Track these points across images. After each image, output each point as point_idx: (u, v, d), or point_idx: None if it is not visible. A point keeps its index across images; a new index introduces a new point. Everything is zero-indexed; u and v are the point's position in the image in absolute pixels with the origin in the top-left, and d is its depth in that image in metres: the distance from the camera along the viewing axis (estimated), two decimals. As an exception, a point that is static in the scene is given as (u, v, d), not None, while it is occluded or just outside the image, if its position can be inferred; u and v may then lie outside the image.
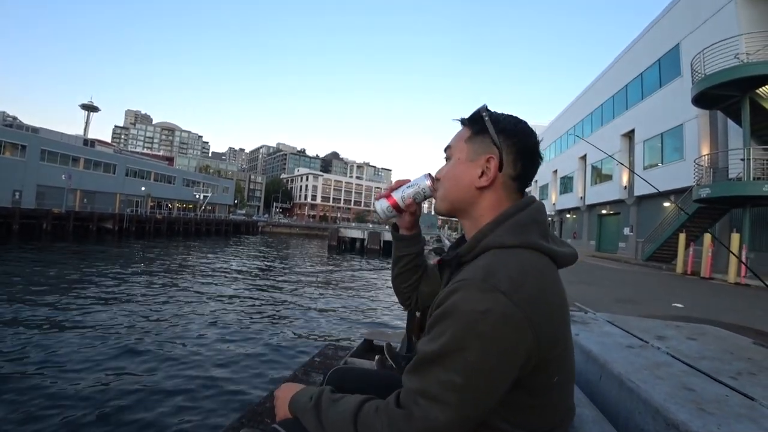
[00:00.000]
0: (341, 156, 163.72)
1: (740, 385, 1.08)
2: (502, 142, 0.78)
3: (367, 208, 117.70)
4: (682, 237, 12.89)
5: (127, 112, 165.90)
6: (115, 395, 4.41)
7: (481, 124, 0.80)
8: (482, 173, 0.78)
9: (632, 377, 1.12)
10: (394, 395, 0.67)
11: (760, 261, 11.45)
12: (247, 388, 4.76)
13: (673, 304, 6.03)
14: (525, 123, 0.82)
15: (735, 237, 10.40)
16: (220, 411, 4.14)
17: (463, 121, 0.84)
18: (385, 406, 0.67)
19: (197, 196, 54.64)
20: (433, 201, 0.90)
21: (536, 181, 38.73)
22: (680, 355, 1.36)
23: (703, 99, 12.89)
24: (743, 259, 9.84)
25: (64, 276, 12.54)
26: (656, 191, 17.60)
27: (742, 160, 11.87)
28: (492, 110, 0.82)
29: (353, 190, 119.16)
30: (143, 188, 45.54)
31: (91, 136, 57.94)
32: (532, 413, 0.69)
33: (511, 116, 0.82)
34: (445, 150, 0.87)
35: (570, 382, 0.75)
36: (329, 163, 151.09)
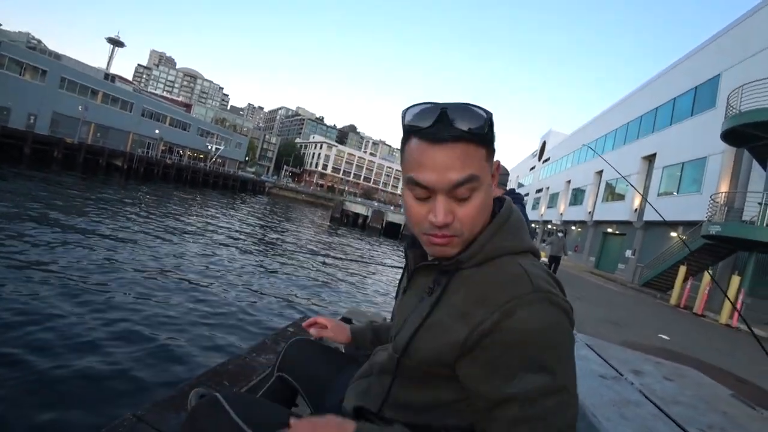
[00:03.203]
0: (358, 130, 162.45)
1: (708, 440, 1.02)
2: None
3: (375, 186, 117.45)
4: (682, 269, 12.76)
5: (152, 53, 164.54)
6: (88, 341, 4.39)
7: (492, 134, 0.67)
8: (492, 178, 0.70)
9: (596, 411, 1.06)
10: None
11: (757, 307, 11.31)
12: (209, 349, 4.43)
13: (659, 335, 5.98)
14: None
15: (735, 279, 10.26)
16: (177, 372, 3.88)
17: (475, 138, 0.64)
18: None
19: (209, 147, 54.57)
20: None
21: (548, 188, 38.23)
22: (653, 396, 1.30)
23: (733, 135, 12.52)
24: (739, 303, 9.70)
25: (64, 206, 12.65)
26: (663, 220, 17.34)
27: (760, 204, 11.62)
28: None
29: (365, 166, 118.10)
30: (157, 131, 45.51)
31: (113, 71, 57.45)
32: None
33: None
34: (465, 182, 0.63)
35: None
36: (345, 135, 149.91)
